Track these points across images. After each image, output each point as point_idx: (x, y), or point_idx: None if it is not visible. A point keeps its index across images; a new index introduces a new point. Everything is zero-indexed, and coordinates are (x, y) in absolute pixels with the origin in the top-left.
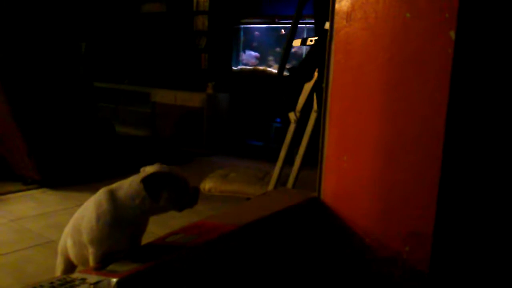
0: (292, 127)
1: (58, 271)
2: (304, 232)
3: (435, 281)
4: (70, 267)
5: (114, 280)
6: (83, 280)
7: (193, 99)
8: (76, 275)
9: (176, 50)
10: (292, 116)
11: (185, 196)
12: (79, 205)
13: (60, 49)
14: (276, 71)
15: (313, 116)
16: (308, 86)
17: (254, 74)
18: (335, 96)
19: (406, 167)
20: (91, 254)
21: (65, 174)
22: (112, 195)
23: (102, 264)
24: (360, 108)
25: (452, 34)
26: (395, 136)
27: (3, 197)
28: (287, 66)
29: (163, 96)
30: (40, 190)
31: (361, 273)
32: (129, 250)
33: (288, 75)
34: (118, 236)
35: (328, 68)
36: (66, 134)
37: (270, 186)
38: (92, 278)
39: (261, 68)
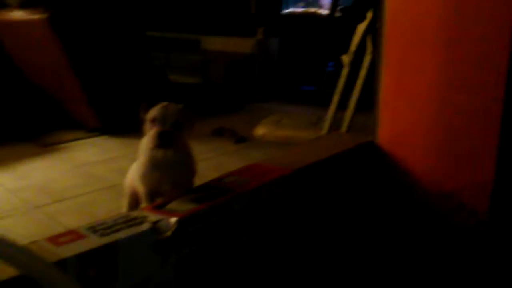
0: (345, 71)
1: (124, 208)
2: (360, 176)
3: (495, 225)
4: (134, 205)
5: (174, 219)
6: (144, 218)
7: (243, 45)
8: (137, 213)
9: None
10: (345, 59)
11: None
12: None
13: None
14: (328, 13)
15: (367, 58)
16: (361, 27)
17: (305, 17)
18: (391, 38)
19: (463, 111)
20: (139, 192)
21: (124, 122)
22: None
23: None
24: (417, 51)
25: None
26: (452, 79)
27: (66, 144)
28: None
29: (213, 43)
30: (101, 137)
31: (418, 216)
32: (186, 191)
33: (340, 16)
34: (155, 176)
35: (383, 9)
36: (123, 83)
37: (324, 131)
38: (153, 216)
39: (311, 10)
